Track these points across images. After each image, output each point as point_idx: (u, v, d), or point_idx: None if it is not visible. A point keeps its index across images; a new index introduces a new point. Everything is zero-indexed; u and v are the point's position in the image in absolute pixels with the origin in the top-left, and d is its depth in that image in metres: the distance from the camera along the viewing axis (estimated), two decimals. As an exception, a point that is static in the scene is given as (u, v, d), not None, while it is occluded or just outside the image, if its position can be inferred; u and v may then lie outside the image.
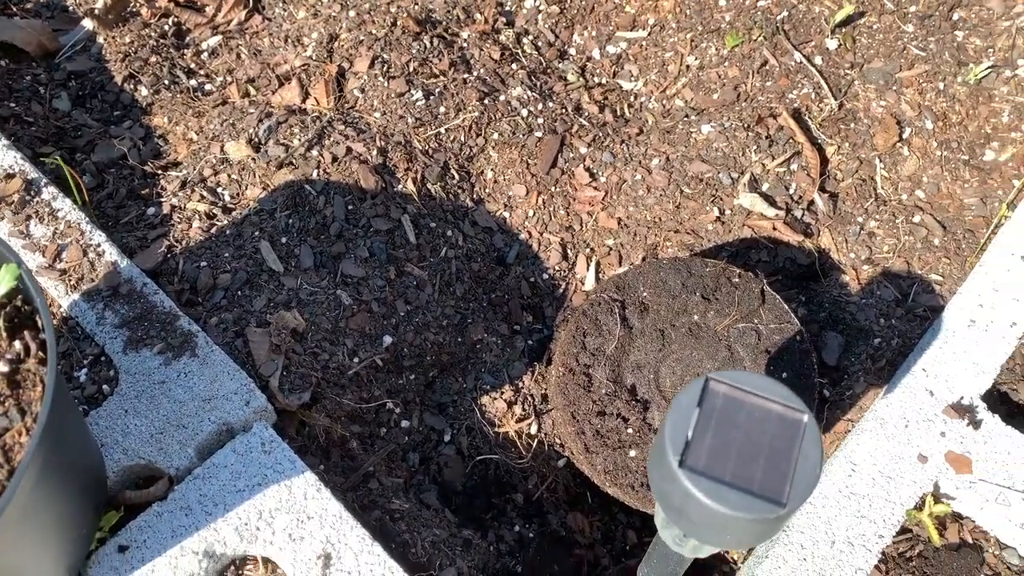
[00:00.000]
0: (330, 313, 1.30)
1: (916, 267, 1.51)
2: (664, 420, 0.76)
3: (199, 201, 1.40)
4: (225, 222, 1.37)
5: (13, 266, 0.84)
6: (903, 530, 1.20)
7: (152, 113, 1.60)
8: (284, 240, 1.35)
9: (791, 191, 1.56)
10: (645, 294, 1.31)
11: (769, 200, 1.53)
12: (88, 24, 1.74)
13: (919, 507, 1.21)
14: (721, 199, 1.54)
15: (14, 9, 1.75)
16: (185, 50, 1.74)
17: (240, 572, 1.07)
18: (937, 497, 1.22)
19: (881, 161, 1.64)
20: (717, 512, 0.72)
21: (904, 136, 1.67)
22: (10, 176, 1.30)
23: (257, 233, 1.34)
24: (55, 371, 0.79)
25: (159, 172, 1.47)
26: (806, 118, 1.66)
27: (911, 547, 1.19)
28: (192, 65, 1.72)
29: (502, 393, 1.42)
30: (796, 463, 0.76)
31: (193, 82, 1.68)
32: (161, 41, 1.72)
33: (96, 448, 1.07)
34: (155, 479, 1.10)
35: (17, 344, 0.84)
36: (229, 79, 1.68)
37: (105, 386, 1.16)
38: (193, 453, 1.11)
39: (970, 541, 1.21)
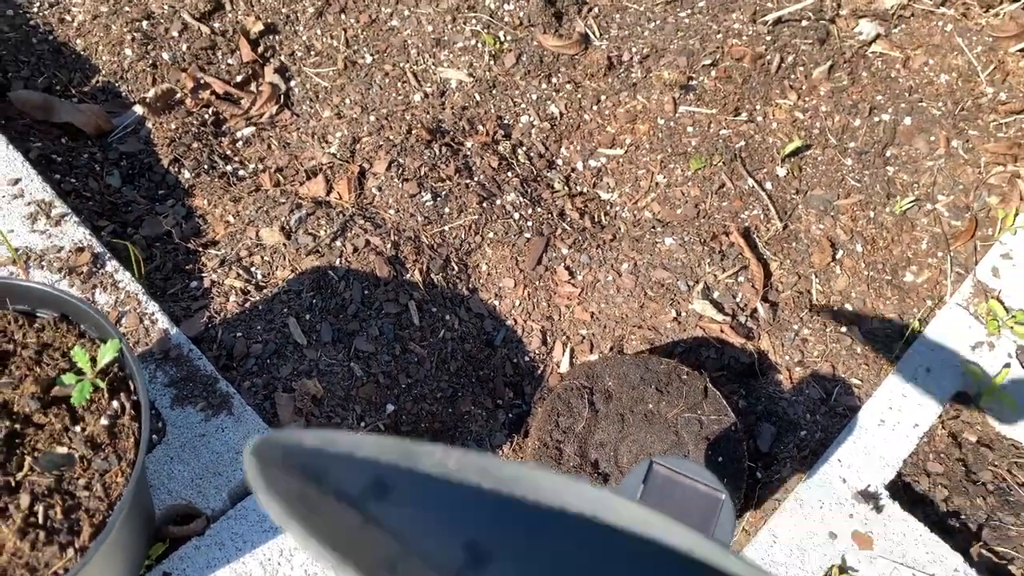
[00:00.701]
0: (344, 383, 1.53)
1: (840, 371, 1.78)
2: (616, 492, 1.00)
3: (235, 278, 1.63)
4: (258, 298, 1.60)
5: (116, 341, 1.07)
6: (813, 595, 1.44)
7: (193, 195, 1.85)
8: (308, 317, 1.58)
9: (737, 299, 1.83)
10: (610, 383, 1.56)
11: (718, 306, 1.80)
12: (138, 110, 1.99)
13: (827, 576, 1.45)
14: (678, 302, 1.81)
15: (73, 92, 2.00)
16: (222, 138, 1.99)
17: (260, 600, 1.27)
18: (843, 569, 1.46)
19: (817, 277, 1.93)
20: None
21: (837, 256, 1.96)
22: (80, 250, 1.53)
23: (286, 310, 1.58)
24: (148, 426, 1.02)
25: (200, 249, 1.71)
26: (754, 236, 1.95)
27: (819, 610, 1.43)
28: (228, 152, 1.97)
29: (484, 459, 1.65)
30: (715, 528, 1.00)
31: (229, 168, 1.93)
32: (202, 129, 1.98)
33: (148, 489, 1.28)
34: (193, 517, 1.31)
35: (115, 403, 1.06)
36: (261, 167, 1.94)
37: (154, 436, 1.37)
38: (226, 497, 1.32)
39: (869, 608, 1.46)
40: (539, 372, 1.79)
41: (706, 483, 1.04)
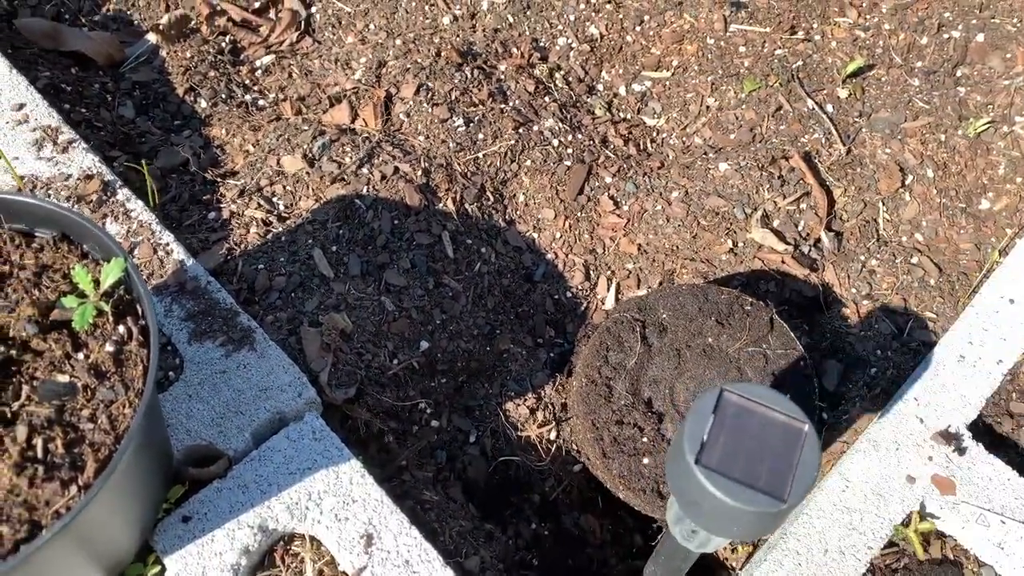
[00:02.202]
0: (374, 318, 1.42)
1: (912, 304, 1.63)
2: (683, 423, 0.87)
3: (256, 209, 1.52)
4: (280, 229, 1.49)
5: (120, 260, 0.95)
6: (890, 544, 1.31)
7: (210, 124, 1.73)
8: (334, 249, 1.47)
9: (799, 228, 1.68)
10: (664, 316, 1.43)
11: (779, 235, 1.65)
12: (152, 38, 1.87)
13: (906, 523, 1.32)
14: (735, 232, 1.67)
15: (83, 21, 1.88)
16: (240, 67, 1.87)
17: (288, 548, 1.18)
18: (923, 515, 1.33)
19: (884, 205, 1.77)
20: (726, 504, 0.83)
21: (906, 183, 1.79)
22: (89, 177, 1.42)
23: (310, 241, 1.46)
24: (156, 351, 0.91)
25: (218, 180, 1.59)
26: (816, 161, 1.79)
27: (897, 560, 1.30)
28: (247, 81, 1.84)
29: (525, 400, 1.54)
30: (797, 465, 0.87)
31: (248, 97, 1.80)
32: (219, 57, 1.85)
33: (165, 427, 1.18)
34: (215, 459, 1.21)
35: (121, 328, 0.96)
36: (282, 96, 1.81)
37: (171, 373, 1.27)
38: (249, 437, 1.22)
39: (951, 558, 1.33)
40: (582, 309, 1.66)
41: (785, 412, 0.91)
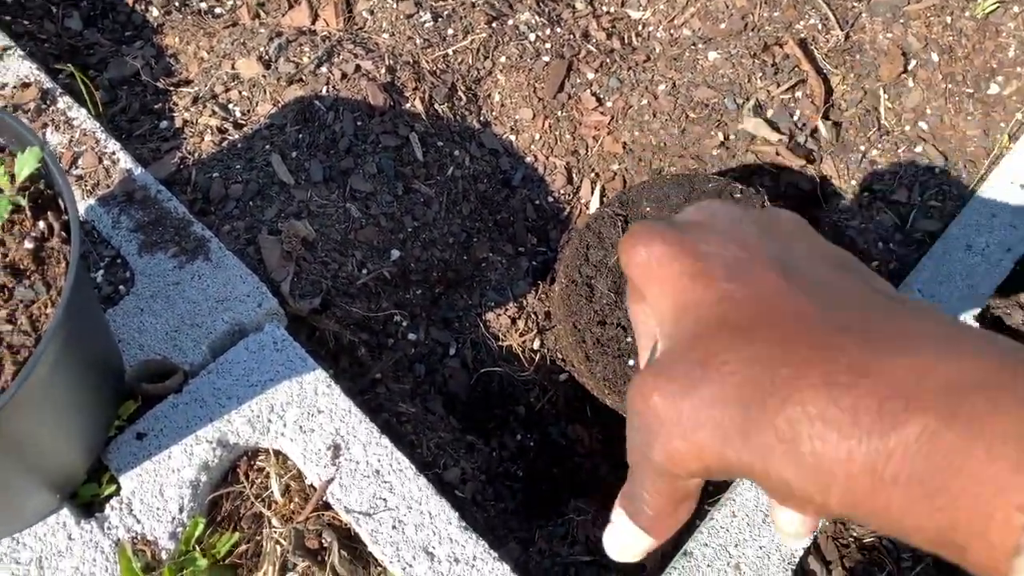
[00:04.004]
0: (339, 225, 1.33)
1: (916, 194, 1.53)
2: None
3: (211, 116, 1.42)
4: (236, 136, 1.39)
5: (36, 149, 0.86)
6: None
7: (163, 33, 1.62)
8: (294, 154, 1.37)
9: (795, 118, 1.57)
10: (648, 209, 1.34)
11: (773, 126, 1.54)
12: (98, -55, 1.74)
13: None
14: (726, 124, 1.56)
15: (24, -70, 1.75)
16: (195, -27, 1.74)
17: (252, 463, 1.11)
18: (927, 410, 1.26)
19: (886, 92, 1.65)
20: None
21: (909, 68, 1.67)
22: (26, 85, 1.32)
23: (268, 147, 1.37)
24: (78, 247, 0.82)
25: (171, 89, 1.49)
26: (812, 48, 1.67)
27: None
28: (202, -12, 1.72)
29: (506, 310, 1.46)
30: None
31: (203, 5, 1.68)
32: (171, -37, 1.73)
33: (114, 341, 1.11)
34: (170, 374, 1.13)
35: (41, 224, 0.87)
36: (239, 2, 1.69)
37: (121, 287, 1.19)
38: (207, 350, 1.14)
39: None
40: (565, 214, 1.57)
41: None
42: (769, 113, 1.57)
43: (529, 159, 1.57)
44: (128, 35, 1.63)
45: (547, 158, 1.58)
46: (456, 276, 1.46)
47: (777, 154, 1.52)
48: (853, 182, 1.55)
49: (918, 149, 1.58)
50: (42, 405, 0.84)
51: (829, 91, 1.62)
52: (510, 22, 1.63)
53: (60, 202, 0.89)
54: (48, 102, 1.31)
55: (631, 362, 1.26)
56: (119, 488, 1.05)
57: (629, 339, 1.27)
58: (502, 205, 1.54)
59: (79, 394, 0.94)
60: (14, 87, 1.32)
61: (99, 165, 1.27)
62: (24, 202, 0.87)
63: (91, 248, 1.21)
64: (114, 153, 1.28)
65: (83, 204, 1.24)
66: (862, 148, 1.58)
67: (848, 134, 1.59)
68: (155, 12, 1.65)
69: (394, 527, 1.05)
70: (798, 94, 1.59)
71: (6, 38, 1.37)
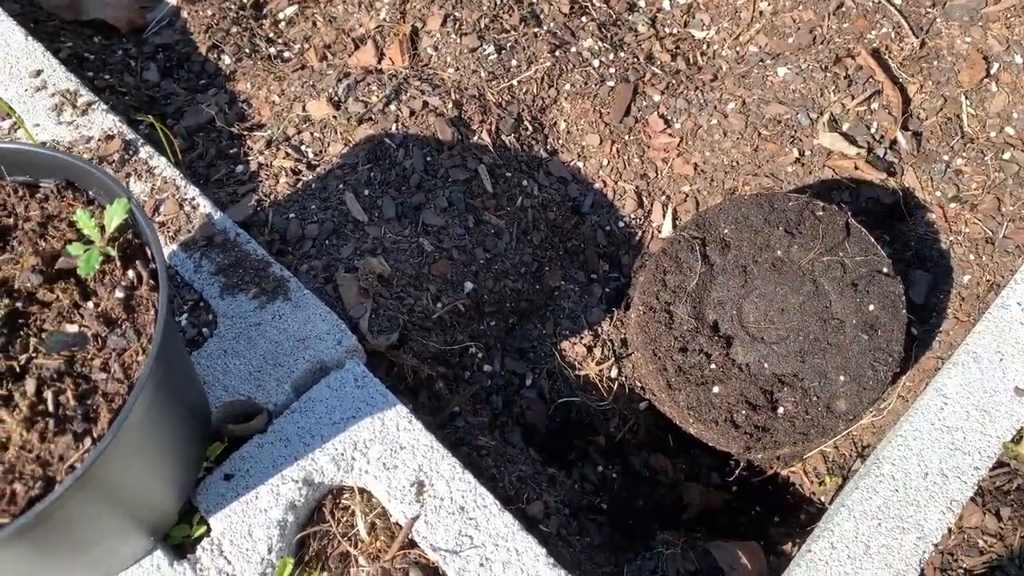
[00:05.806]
0: (413, 260, 1.33)
1: (1008, 203, 1.46)
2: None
3: (284, 158, 1.45)
4: (310, 177, 1.41)
5: (124, 200, 0.89)
6: (999, 463, 1.17)
7: (235, 80, 1.66)
8: (367, 192, 1.38)
9: (872, 130, 1.52)
10: (726, 231, 1.30)
11: (850, 139, 1.50)
12: (172, 0, 1.81)
13: (1016, 440, 1.17)
14: (800, 140, 1.52)
15: (103, -11, 1.83)
16: (263, 20, 1.79)
17: (337, 501, 1.11)
18: (1035, 430, 1.18)
19: (967, 98, 1.59)
20: None
21: (991, 72, 1.61)
22: (110, 137, 1.37)
23: (341, 186, 1.38)
24: (166, 294, 0.84)
25: (245, 133, 1.53)
26: (886, 57, 1.62)
27: (1009, 480, 1.16)
28: (271, 34, 1.77)
29: (581, 338, 1.43)
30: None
31: (272, 50, 1.73)
32: (240, 13, 1.78)
33: (200, 384, 1.12)
34: (254, 414, 1.15)
35: (130, 273, 0.89)
36: (307, 46, 1.73)
37: (205, 329, 1.21)
38: (289, 389, 1.15)
39: (1071, 476, 1.18)
40: (637, 239, 1.54)
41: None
42: (845, 126, 1.52)
43: (598, 185, 1.56)
44: (202, 83, 1.69)
45: (616, 183, 1.56)
46: (529, 305, 1.45)
47: (856, 168, 1.47)
48: (938, 193, 1.49)
49: (1006, 156, 1.51)
50: (136, 450, 0.86)
51: (907, 100, 1.56)
52: (573, 49, 1.63)
53: (147, 251, 0.92)
54: (131, 152, 1.36)
55: (715, 389, 1.22)
56: (209, 529, 1.06)
57: (712, 366, 1.23)
58: (572, 232, 1.52)
59: (170, 437, 0.95)
60: (99, 140, 1.37)
61: (180, 211, 1.30)
62: (114, 252, 0.89)
63: (175, 292, 1.24)
64: (194, 199, 1.31)
65: (167, 250, 1.27)
66: (945, 158, 1.52)
67: (929, 144, 1.53)
68: (227, 60, 1.70)
69: (481, 564, 1.03)
70: (874, 105, 1.54)
71: (90, 93, 1.43)
